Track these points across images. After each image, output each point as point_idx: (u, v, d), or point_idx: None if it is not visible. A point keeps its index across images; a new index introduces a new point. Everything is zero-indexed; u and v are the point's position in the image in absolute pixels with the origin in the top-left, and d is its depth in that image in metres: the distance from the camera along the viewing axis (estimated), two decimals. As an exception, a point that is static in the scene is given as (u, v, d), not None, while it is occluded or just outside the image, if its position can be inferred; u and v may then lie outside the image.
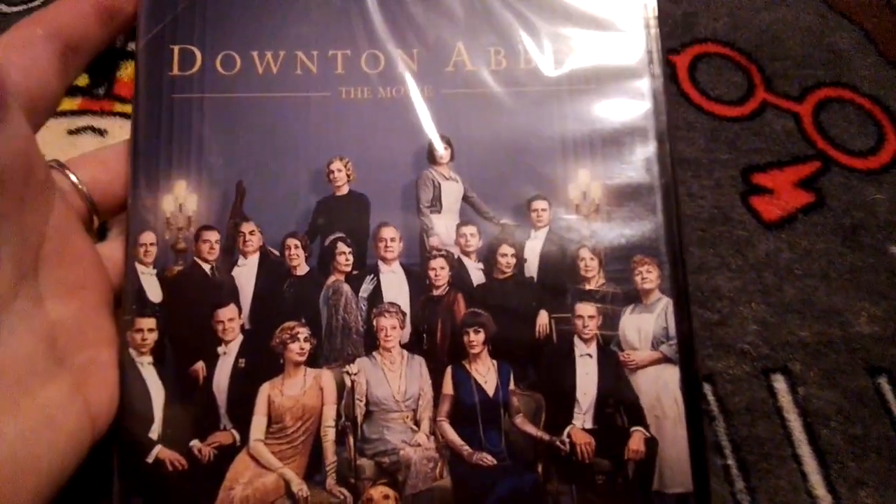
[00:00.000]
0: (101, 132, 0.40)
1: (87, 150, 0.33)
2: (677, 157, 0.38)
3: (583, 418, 0.29)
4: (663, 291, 0.30)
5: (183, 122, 0.31)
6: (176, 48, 0.32)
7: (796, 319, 0.39)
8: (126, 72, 0.41)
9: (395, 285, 0.30)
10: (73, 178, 0.30)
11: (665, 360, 0.29)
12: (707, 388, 0.36)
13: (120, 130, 0.40)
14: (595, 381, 0.29)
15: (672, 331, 0.29)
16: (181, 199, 0.30)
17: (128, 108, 0.39)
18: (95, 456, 0.29)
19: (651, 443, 0.29)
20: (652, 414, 0.29)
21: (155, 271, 0.30)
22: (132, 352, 0.29)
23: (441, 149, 0.31)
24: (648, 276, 0.30)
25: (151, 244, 0.30)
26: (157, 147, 0.31)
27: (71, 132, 0.39)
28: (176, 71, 0.32)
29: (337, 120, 0.31)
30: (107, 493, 0.28)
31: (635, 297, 0.30)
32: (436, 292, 0.30)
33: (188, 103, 0.31)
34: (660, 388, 0.29)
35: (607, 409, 0.29)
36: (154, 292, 0.30)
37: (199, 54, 0.32)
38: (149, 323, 0.29)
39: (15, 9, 0.43)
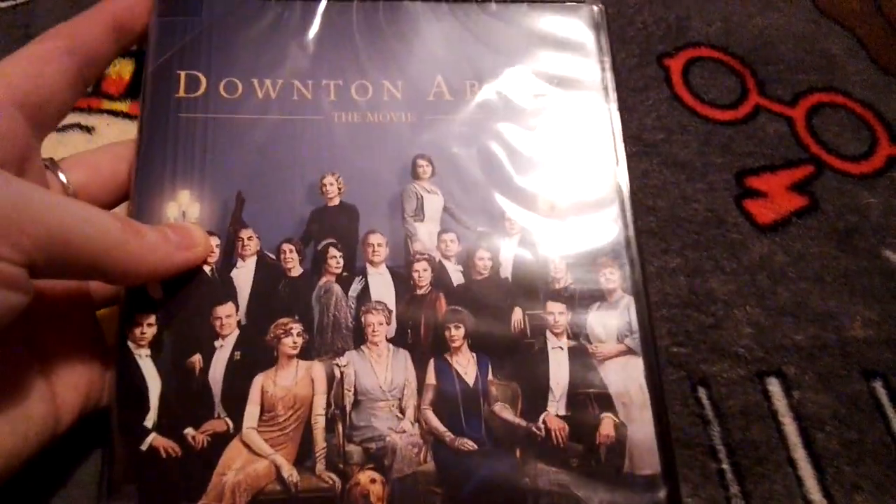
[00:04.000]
0: (88, 129, 0.42)
1: (74, 147, 0.34)
2: (671, 160, 0.42)
3: (556, 405, 0.31)
4: (625, 291, 0.33)
5: (188, 138, 0.34)
6: (183, 73, 0.35)
7: (790, 323, 0.38)
8: (115, 69, 0.43)
9: (381, 286, 0.33)
10: (62, 178, 0.32)
11: (629, 351, 0.32)
12: (702, 392, 0.36)
13: (107, 128, 0.42)
14: (567, 371, 0.32)
15: (634, 325, 0.32)
16: (184, 206, 0.33)
17: (116, 106, 0.41)
18: (88, 444, 0.30)
19: (620, 427, 0.31)
20: (620, 401, 0.31)
21: (156, 271, 0.32)
22: (130, 344, 0.30)
23: (424, 166, 0.35)
24: (611, 276, 0.33)
25: (154, 246, 0.32)
26: (164, 160, 0.33)
27: (58, 129, 0.41)
28: (182, 93, 0.35)
29: (329, 140, 0.35)
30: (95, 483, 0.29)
31: (600, 297, 0.33)
32: (419, 291, 0.33)
33: (193, 122, 0.34)
34: (626, 377, 0.32)
35: (578, 397, 0.31)
36: (155, 290, 0.31)
37: (203, 79, 0.35)
38: (148, 318, 0.31)
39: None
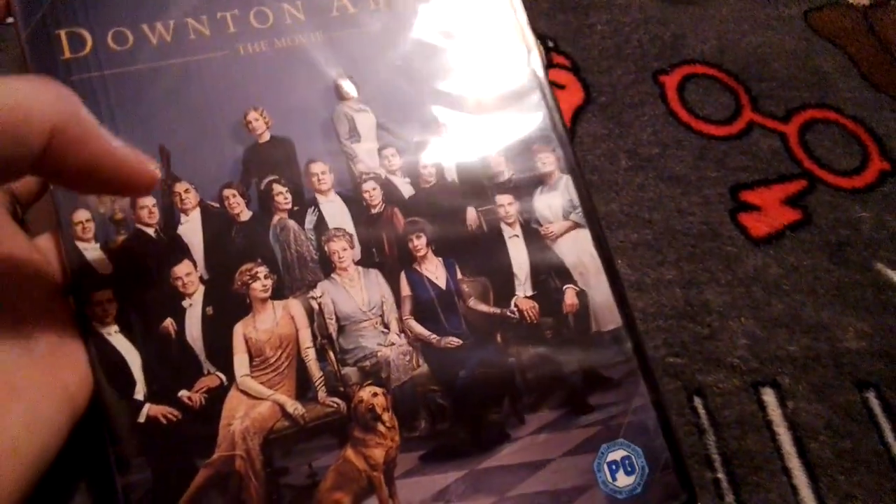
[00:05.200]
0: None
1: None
2: (667, 174, 0.42)
3: (523, 288, 0.34)
4: (561, 171, 0.35)
5: (89, 102, 0.31)
6: (62, 32, 0.32)
7: (785, 334, 0.39)
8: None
9: (336, 212, 0.33)
10: None
11: (576, 226, 0.35)
12: (697, 402, 0.37)
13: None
14: (525, 256, 0.34)
15: (576, 200, 0.35)
16: (107, 172, 0.31)
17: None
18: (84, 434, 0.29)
19: (582, 294, 0.34)
20: (576, 271, 0.34)
21: (98, 245, 0.30)
22: (96, 325, 0.29)
23: (347, 86, 0.34)
24: (546, 160, 0.35)
25: (87, 220, 0.30)
26: (69, 128, 0.31)
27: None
28: (68, 55, 0.32)
29: (241, 75, 0.33)
30: (103, 466, 0.29)
31: (540, 181, 0.35)
32: (374, 211, 0.33)
33: (88, 82, 0.31)
34: (578, 249, 0.34)
35: (541, 276, 0.34)
36: (103, 265, 0.30)
37: (88, 35, 0.32)
38: (105, 294, 0.30)
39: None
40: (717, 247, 0.41)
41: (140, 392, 0.29)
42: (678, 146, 0.44)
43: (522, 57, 0.36)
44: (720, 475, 0.35)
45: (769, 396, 0.37)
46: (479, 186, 0.34)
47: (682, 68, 0.47)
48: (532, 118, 0.36)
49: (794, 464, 0.36)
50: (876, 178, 0.44)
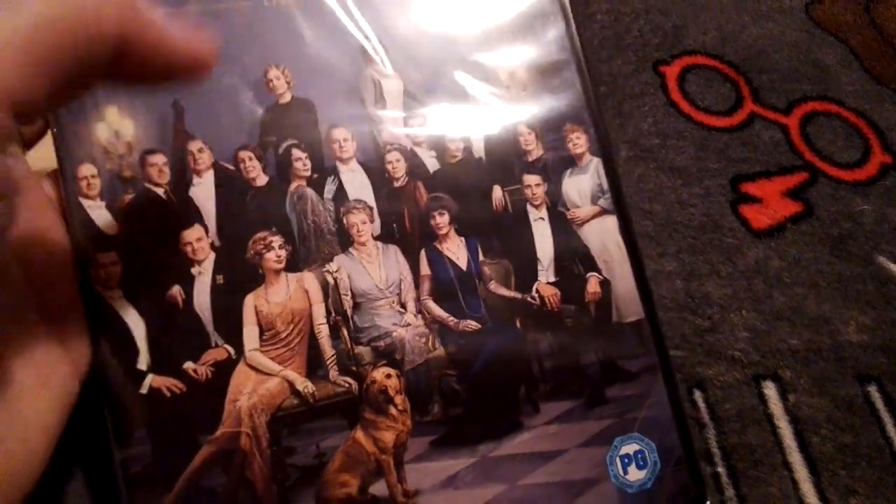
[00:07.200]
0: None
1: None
2: (667, 165, 0.41)
3: (546, 274, 0.32)
4: (593, 153, 0.34)
5: (98, 45, 0.29)
6: (71, -35, 0.29)
7: (786, 327, 0.38)
8: None
9: (356, 183, 0.31)
10: None
11: (604, 211, 0.33)
12: (698, 395, 0.36)
13: None
14: (550, 240, 0.33)
15: (605, 185, 0.33)
16: (115, 125, 0.29)
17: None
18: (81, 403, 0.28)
19: (605, 283, 0.33)
20: (601, 259, 0.33)
21: (104, 203, 0.28)
22: (99, 288, 0.27)
23: (374, 48, 0.32)
24: (578, 141, 0.34)
25: (93, 176, 0.28)
26: (75, 74, 0.28)
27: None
28: (76, -10, 0.29)
29: (263, 28, 0.31)
30: (100, 438, 0.27)
31: (571, 162, 0.34)
32: (396, 184, 0.31)
33: (99, 24, 0.29)
34: (604, 236, 0.33)
35: (564, 262, 0.33)
36: (108, 225, 0.28)
37: (99, -30, 0.29)
38: (110, 257, 0.28)
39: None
40: (718, 239, 0.41)
41: (143, 362, 0.27)
42: (679, 137, 0.43)
43: (559, 27, 0.34)
44: (720, 469, 0.35)
45: (770, 390, 0.37)
46: (506, 165, 0.33)
47: (683, 59, 0.46)
48: (566, 95, 0.34)
49: (796, 458, 0.35)
50: (877, 171, 0.44)
